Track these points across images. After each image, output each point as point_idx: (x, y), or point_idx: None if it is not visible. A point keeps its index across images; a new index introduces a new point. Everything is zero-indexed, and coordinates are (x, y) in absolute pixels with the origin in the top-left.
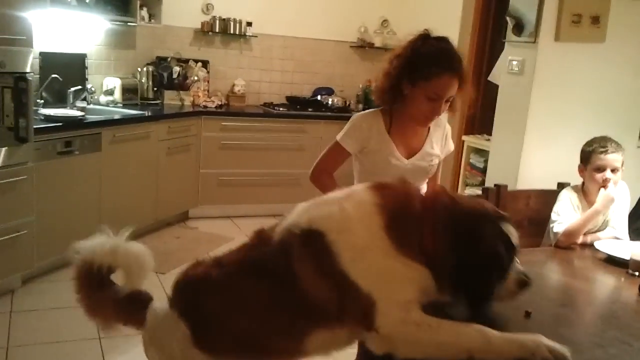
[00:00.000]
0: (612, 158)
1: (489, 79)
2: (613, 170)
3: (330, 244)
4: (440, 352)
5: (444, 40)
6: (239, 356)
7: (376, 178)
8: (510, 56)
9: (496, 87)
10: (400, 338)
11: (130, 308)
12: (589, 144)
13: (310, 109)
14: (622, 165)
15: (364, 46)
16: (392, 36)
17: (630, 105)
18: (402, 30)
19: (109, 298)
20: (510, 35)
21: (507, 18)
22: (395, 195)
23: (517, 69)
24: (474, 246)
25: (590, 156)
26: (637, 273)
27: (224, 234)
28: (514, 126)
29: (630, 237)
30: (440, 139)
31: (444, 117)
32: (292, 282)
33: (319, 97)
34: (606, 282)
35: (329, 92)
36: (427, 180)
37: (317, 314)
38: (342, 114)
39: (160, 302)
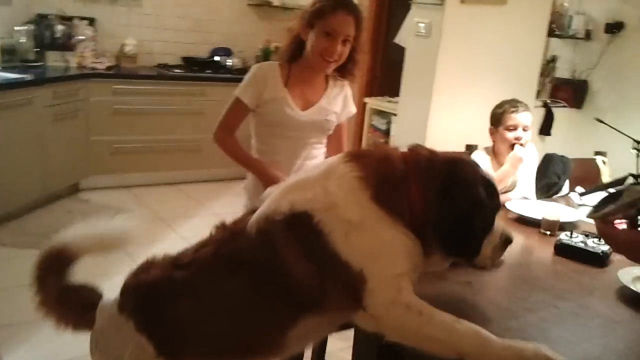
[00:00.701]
0: (523, 117)
1: (395, 41)
2: (524, 129)
3: (320, 224)
4: (427, 345)
5: None
6: None
7: (273, 132)
8: (417, 18)
9: (395, 49)
10: (387, 320)
11: (75, 306)
12: (499, 106)
13: (208, 71)
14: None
15: (262, 4)
16: None
17: (529, 66)
18: None
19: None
20: None
21: None
22: (375, 163)
23: (424, 32)
24: (461, 190)
25: (501, 117)
26: (548, 232)
27: (121, 205)
28: (421, 89)
29: (536, 196)
30: (340, 98)
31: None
32: (275, 273)
33: (216, 58)
34: (522, 243)
35: (227, 52)
36: (325, 138)
37: (303, 302)
38: (241, 75)
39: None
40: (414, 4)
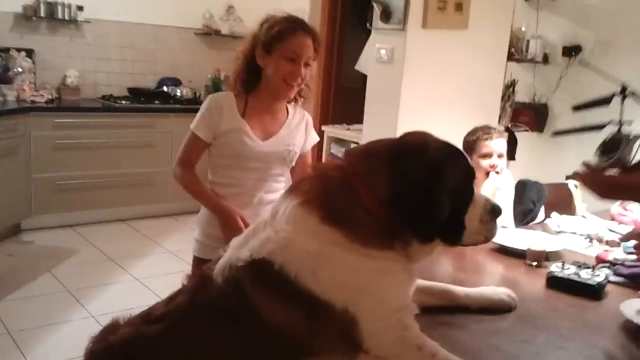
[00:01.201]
0: (498, 143)
1: (355, 67)
2: (499, 156)
3: (283, 268)
4: None
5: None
6: None
7: (232, 164)
8: (378, 44)
9: (349, 75)
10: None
11: None
12: (471, 133)
13: (156, 102)
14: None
15: (209, 33)
16: (239, 23)
17: (491, 90)
18: (250, 18)
19: None
20: (377, 22)
21: (374, 4)
22: (313, 184)
23: (386, 58)
24: (409, 159)
25: (475, 144)
26: (535, 263)
27: (67, 246)
28: (385, 115)
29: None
30: (302, 127)
31: (301, 108)
32: (254, 321)
33: (165, 89)
34: (509, 276)
35: (176, 82)
36: (287, 169)
37: (294, 349)
38: (192, 105)
39: None
40: (375, 30)
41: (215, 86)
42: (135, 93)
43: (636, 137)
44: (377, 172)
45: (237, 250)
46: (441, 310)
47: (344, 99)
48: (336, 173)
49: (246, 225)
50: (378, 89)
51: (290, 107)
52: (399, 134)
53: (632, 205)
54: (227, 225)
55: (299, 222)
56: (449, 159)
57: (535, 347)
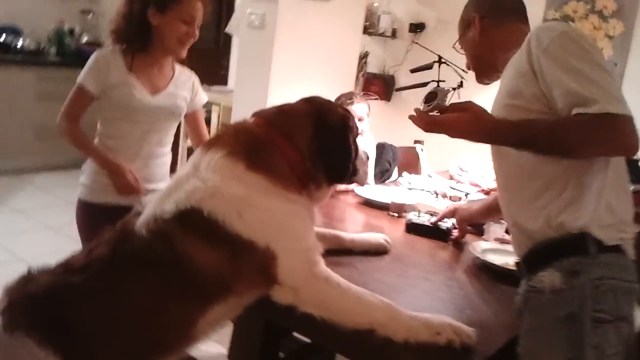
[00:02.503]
0: (359, 107)
1: (226, 31)
2: (359, 119)
3: (211, 214)
4: (343, 317)
5: None
6: None
7: (121, 116)
8: (250, 9)
9: (202, 37)
10: (307, 292)
11: None
12: (337, 99)
13: None
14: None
15: None
16: None
17: (349, 60)
18: None
19: None
20: None
21: None
22: (234, 138)
23: (257, 23)
24: (333, 119)
25: None
26: (396, 214)
27: None
28: (257, 79)
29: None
30: (189, 84)
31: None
32: (180, 266)
33: (2, 39)
34: (376, 224)
35: (16, 32)
36: (175, 124)
37: (213, 290)
38: (37, 57)
39: None
40: None
41: (59, 38)
42: None
43: (448, 90)
44: (299, 127)
45: (161, 204)
46: (331, 253)
47: (198, 60)
48: (255, 129)
49: (135, 179)
50: (250, 53)
51: (177, 65)
52: (271, 97)
53: (467, 167)
54: (116, 178)
55: (225, 171)
56: (350, 116)
57: (408, 279)
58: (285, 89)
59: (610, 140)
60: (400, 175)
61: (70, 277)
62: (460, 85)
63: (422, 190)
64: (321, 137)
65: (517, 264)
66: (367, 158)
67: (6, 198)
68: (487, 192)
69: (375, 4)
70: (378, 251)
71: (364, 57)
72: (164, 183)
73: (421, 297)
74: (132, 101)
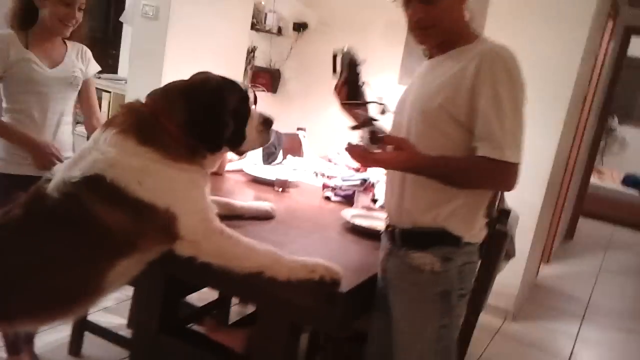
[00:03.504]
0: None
1: (120, 19)
2: None
3: (114, 181)
4: (236, 263)
5: None
6: (43, 316)
7: (24, 90)
8: (144, 0)
9: (91, 26)
10: (205, 244)
11: None
12: None
13: None
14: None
15: None
16: None
17: (238, 54)
18: None
19: None
20: None
21: None
22: (125, 118)
23: (151, 14)
24: (197, 93)
25: None
26: (281, 189)
27: None
28: (150, 69)
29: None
30: (80, 56)
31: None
32: (88, 223)
33: None
34: (263, 197)
35: None
36: (75, 93)
37: (120, 246)
38: None
39: None
40: None
41: None
42: None
43: (376, 128)
44: (174, 104)
45: (68, 171)
46: (224, 219)
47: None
48: (143, 108)
49: (57, 150)
50: (143, 43)
51: (68, 41)
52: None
53: (341, 151)
54: (37, 154)
55: (120, 146)
56: (227, 87)
57: (291, 237)
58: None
59: (502, 182)
60: (284, 158)
61: None
62: (383, 112)
63: (305, 170)
64: (191, 111)
65: (389, 230)
66: (268, 123)
67: None
68: (359, 170)
69: (262, 3)
70: (265, 217)
71: (252, 51)
72: (71, 152)
73: (301, 249)
74: (33, 75)
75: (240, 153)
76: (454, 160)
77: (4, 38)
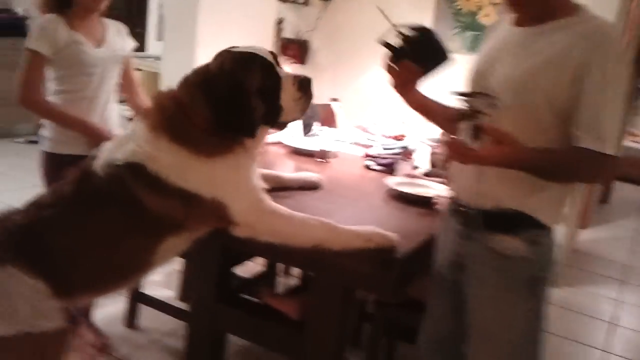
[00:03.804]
0: None
1: None
2: None
3: (155, 172)
4: (292, 240)
5: None
6: (99, 288)
7: (75, 72)
8: None
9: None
10: (260, 226)
11: None
12: None
13: None
14: None
15: None
16: None
17: (266, 26)
18: None
19: None
20: None
21: None
22: (157, 114)
23: None
24: (218, 85)
25: None
26: (322, 160)
27: None
28: (183, 45)
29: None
30: (119, 33)
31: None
32: (137, 206)
33: None
34: (306, 168)
35: None
36: (118, 71)
37: (167, 226)
38: None
39: None
40: None
41: None
42: None
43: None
44: (195, 99)
45: (112, 153)
46: (274, 190)
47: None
48: (170, 103)
49: (107, 133)
50: (175, 20)
51: (104, 19)
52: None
53: (378, 120)
54: (92, 136)
55: (153, 144)
56: (245, 67)
57: (338, 205)
58: (214, 49)
59: (597, 175)
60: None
61: (42, 212)
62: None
63: (342, 140)
64: (212, 106)
65: (462, 210)
66: (304, 85)
67: None
68: (398, 138)
69: None
70: (311, 187)
71: (279, 23)
72: (118, 130)
73: (350, 217)
74: (83, 57)
75: (282, 127)
76: (557, 154)
77: (51, 19)
